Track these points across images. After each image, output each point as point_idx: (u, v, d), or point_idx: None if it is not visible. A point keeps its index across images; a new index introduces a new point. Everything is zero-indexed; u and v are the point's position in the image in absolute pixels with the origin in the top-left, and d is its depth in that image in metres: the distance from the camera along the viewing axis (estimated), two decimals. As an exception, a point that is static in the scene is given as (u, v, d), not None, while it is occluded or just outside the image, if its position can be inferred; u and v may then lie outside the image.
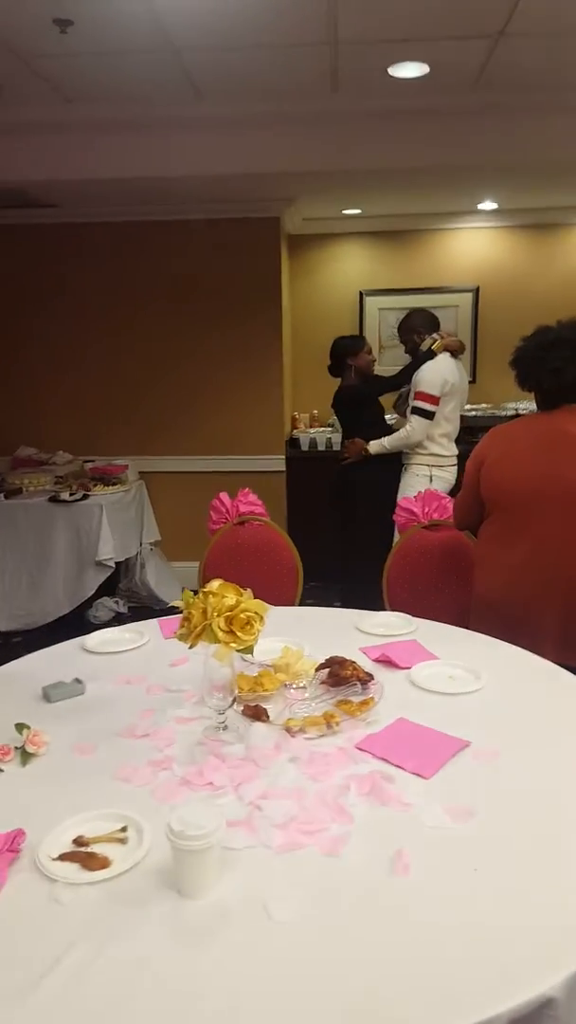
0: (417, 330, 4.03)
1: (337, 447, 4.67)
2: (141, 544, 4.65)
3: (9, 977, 0.97)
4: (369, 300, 5.35)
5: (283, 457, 4.84)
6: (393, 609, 2.53)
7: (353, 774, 1.40)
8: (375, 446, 3.97)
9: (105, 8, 2.62)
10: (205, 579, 2.76)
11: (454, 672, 1.83)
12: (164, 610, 4.58)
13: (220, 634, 1.47)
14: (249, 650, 1.51)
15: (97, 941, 1.02)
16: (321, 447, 4.90)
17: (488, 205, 4.98)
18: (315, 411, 5.34)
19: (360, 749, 1.49)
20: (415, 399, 3.85)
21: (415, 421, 3.83)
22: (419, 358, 3.92)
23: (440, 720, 1.59)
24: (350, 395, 4.15)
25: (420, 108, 3.56)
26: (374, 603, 3.32)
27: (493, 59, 3.11)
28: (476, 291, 5.33)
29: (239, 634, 1.49)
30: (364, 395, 4.14)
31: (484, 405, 5.20)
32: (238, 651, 1.50)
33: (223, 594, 1.52)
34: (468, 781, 1.38)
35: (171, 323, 4.74)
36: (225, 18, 2.71)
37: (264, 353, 4.76)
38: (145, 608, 4.62)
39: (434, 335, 3.99)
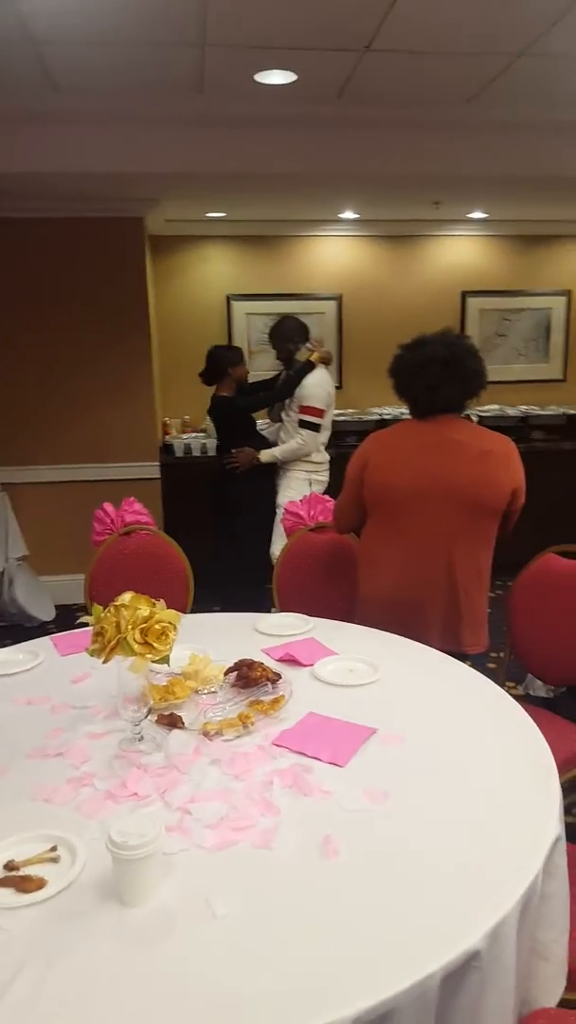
0: (292, 338, 4.16)
1: (212, 452, 4.71)
2: (7, 559, 4.47)
3: (-41, 1007, 0.96)
4: (236, 304, 5.42)
5: (157, 464, 4.81)
6: (284, 610, 2.62)
7: (274, 769, 1.46)
8: (266, 455, 4.08)
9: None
10: (92, 592, 2.73)
11: (353, 666, 1.94)
12: (36, 627, 4.45)
13: (136, 646, 1.49)
14: (165, 660, 1.54)
15: (46, 959, 1.03)
16: (196, 452, 4.92)
17: (349, 214, 5.18)
18: (187, 416, 5.35)
19: (277, 745, 1.55)
20: (302, 413, 3.99)
21: (306, 434, 4.00)
22: (298, 370, 4.03)
23: (346, 711, 1.69)
24: (229, 407, 4.19)
25: (285, 115, 3.63)
26: (259, 606, 3.39)
27: (358, 72, 3.25)
28: (339, 298, 5.53)
29: (155, 645, 1.51)
30: (242, 408, 4.20)
31: (351, 410, 5.41)
32: (154, 662, 1.52)
33: (136, 606, 1.53)
34: (380, 765, 1.49)
35: (31, 326, 4.58)
36: (89, 12, 2.65)
37: (132, 357, 4.69)
38: (16, 627, 4.45)
39: (307, 345, 4.14)
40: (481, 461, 2.24)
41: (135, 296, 4.62)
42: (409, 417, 2.41)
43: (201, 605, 2.82)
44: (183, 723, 1.62)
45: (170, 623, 1.55)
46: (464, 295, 5.74)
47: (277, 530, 4.10)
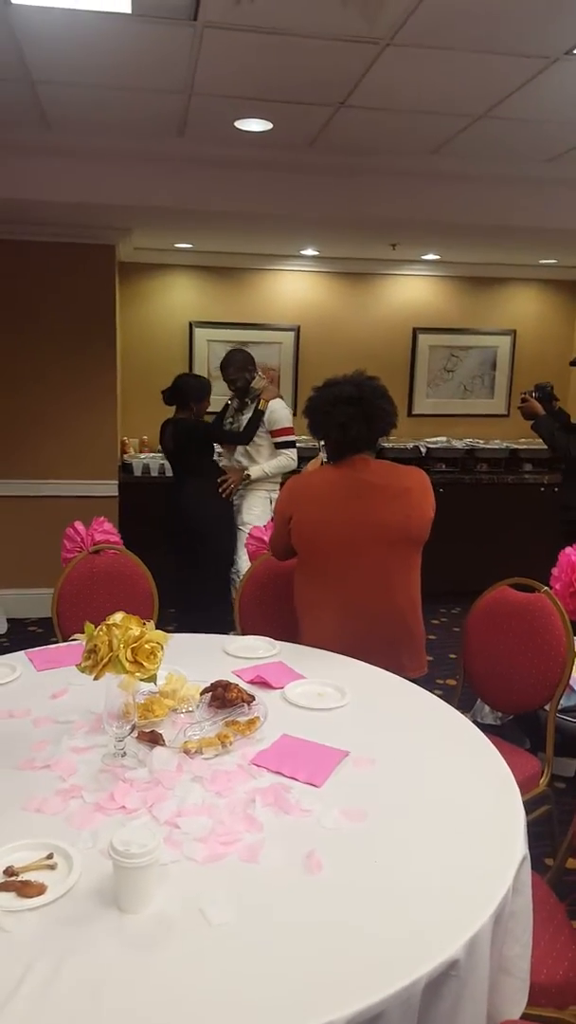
0: (247, 367, 4.31)
1: (170, 473, 4.78)
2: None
3: (-26, 1006, 1.01)
4: (199, 331, 5.53)
5: (116, 482, 4.84)
6: (245, 633, 2.70)
7: (254, 788, 1.54)
8: (256, 471, 4.26)
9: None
10: (60, 608, 2.76)
11: (322, 689, 2.03)
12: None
13: (127, 664, 1.56)
14: (153, 678, 1.61)
15: (53, 960, 1.09)
16: (154, 472, 4.98)
17: (310, 251, 5.36)
18: (145, 436, 5.41)
19: (255, 765, 1.63)
20: (279, 436, 4.25)
21: (291, 451, 4.30)
22: (254, 417, 4.24)
23: (318, 733, 1.78)
24: (198, 430, 4.29)
25: (259, 160, 3.82)
26: (217, 627, 3.46)
27: (331, 124, 3.44)
28: (297, 330, 5.70)
29: (144, 663, 1.58)
30: (203, 429, 4.33)
31: (305, 436, 5.53)
32: (142, 680, 1.59)
33: (127, 626, 1.60)
34: (354, 786, 1.58)
35: (1, 343, 4.61)
36: (89, 58, 2.78)
37: (98, 377, 4.76)
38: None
39: (259, 373, 4.31)
40: (403, 500, 2.35)
41: (103, 319, 4.71)
42: None
43: (160, 625, 2.88)
44: (164, 740, 1.69)
45: (158, 643, 1.62)
46: (415, 331, 5.97)
47: (242, 549, 4.21)
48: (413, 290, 5.94)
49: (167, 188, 3.83)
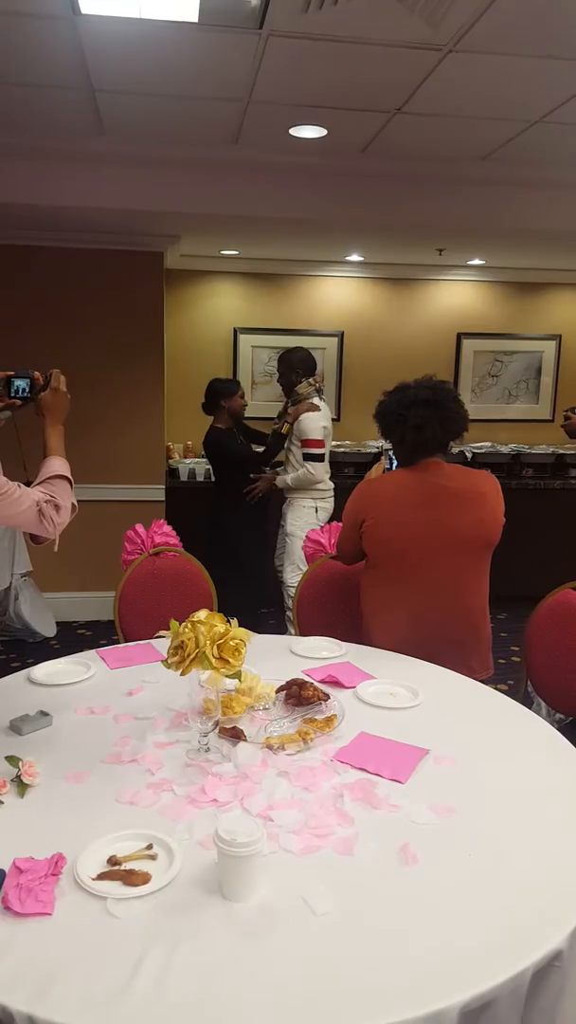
0: (296, 370, 4.31)
1: (214, 478, 4.83)
2: (12, 574, 4.50)
3: (96, 985, 1.04)
4: (243, 337, 5.57)
5: (163, 487, 4.89)
6: (303, 633, 2.71)
7: (341, 783, 1.55)
8: (280, 481, 4.30)
9: (29, 40, 2.65)
10: (122, 609, 2.80)
11: (394, 689, 2.03)
12: (38, 643, 4.47)
13: (213, 660, 1.58)
14: (237, 675, 1.62)
15: (167, 945, 1.11)
16: (200, 477, 5.02)
17: (355, 257, 5.38)
18: (189, 441, 5.45)
19: (338, 761, 1.64)
20: (304, 447, 4.22)
21: (311, 465, 4.21)
22: (276, 438, 4.35)
23: (396, 732, 1.78)
24: (217, 445, 4.40)
25: (310, 166, 3.85)
26: (261, 629, 3.45)
27: (385, 131, 3.46)
28: (341, 335, 5.72)
29: (229, 660, 1.60)
30: (228, 450, 4.39)
31: (348, 442, 5.56)
32: (227, 676, 1.61)
33: (212, 623, 1.62)
34: (439, 783, 1.58)
35: (52, 350, 4.67)
36: (151, 69, 2.84)
37: (146, 384, 4.81)
38: (20, 642, 4.48)
39: (310, 380, 4.29)
40: (479, 504, 2.36)
41: (152, 327, 4.77)
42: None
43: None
44: (245, 736, 1.70)
45: (242, 640, 1.64)
46: (459, 336, 5.96)
47: (289, 558, 4.22)
48: (457, 295, 5.93)
49: (220, 195, 3.88)
